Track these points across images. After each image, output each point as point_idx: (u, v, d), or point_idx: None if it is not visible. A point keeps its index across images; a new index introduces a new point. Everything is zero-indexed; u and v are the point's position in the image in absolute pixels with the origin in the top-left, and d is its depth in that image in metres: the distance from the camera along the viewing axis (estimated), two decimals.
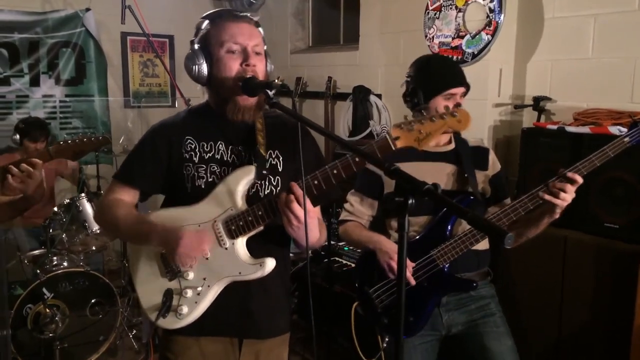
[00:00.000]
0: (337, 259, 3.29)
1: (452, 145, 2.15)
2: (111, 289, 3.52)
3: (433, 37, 3.64)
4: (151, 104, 5.44)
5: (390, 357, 2.12)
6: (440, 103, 2.04)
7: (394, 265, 1.91)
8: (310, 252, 3.25)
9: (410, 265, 1.96)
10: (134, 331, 3.80)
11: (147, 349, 3.55)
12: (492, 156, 2.19)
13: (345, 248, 3.33)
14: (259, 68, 1.61)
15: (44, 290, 3.27)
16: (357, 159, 1.47)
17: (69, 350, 3.28)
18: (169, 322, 1.64)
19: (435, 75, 2.10)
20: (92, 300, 3.44)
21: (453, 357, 2.14)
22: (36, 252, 3.71)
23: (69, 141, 1.90)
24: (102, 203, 1.75)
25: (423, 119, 1.43)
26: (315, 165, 1.62)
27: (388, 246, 1.97)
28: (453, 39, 3.51)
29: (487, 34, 3.32)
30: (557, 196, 1.85)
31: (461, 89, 2.09)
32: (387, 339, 2.08)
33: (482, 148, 2.21)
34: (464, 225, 2.03)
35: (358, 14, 4.55)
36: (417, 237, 2.03)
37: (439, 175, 2.07)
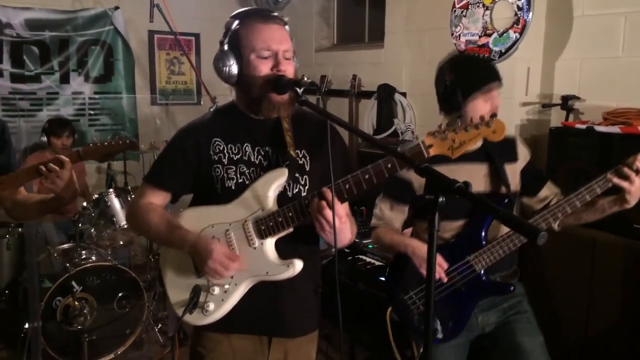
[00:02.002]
0: (361, 256, 3.29)
1: (480, 142, 2.09)
2: (138, 283, 3.58)
3: (459, 35, 3.62)
4: (177, 102, 5.51)
5: None
6: (480, 104, 1.98)
7: None
8: (333, 250, 3.26)
9: (443, 264, 1.96)
10: (160, 325, 3.86)
11: (172, 342, 3.60)
12: (520, 145, 2.14)
13: (370, 246, 3.33)
14: (289, 72, 1.62)
15: (73, 283, 3.35)
16: (389, 165, 1.48)
17: (96, 343, 3.35)
18: (196, 318, 1.67)
19: (475, 71, 2.03)
20: (119, 294, 3.51)
21: (485, 354, 2.13)
22: (65, 246, 3.79)
23: (98, 143, 1.96)
24: (134, 207, 1.78)
25: (457, 128, 1.43)
26: (343, 165, 1.64)
27: (423, 250, 1.95)
28: (480, 37, 3.49)
29: (515, 32, 3.29)
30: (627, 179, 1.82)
31: (499, 86, 2.03)
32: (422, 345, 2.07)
33: (509, 139, 2.12)
34: (502, 229, 2.03)
35: (383, 11, 4.54)
36: (453, 240, 2.02)
37: (474, 177, 2.03)
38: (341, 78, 4.86)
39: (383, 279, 3.09)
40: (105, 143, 1.94)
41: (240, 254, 1.63)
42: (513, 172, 2.08)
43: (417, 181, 2.04)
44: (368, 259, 3.29)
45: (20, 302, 3.56)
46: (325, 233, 1.51)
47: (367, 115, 4.56)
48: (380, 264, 3.23)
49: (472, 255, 1.98)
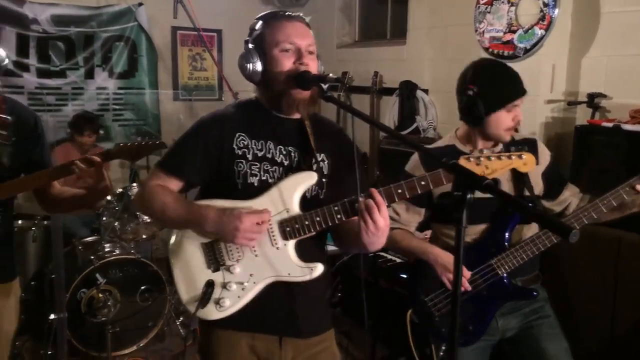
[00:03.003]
0: (382, 254, 3.29)
1: (500, 146, 2.06)
2: (160, 276, 3.62)
3: (484, 31, 3.58)
4: (199, 97, 5.55)
5: None
6: (503, 117, 1.95)
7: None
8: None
9: (466, 273, 1.95)
10: (181, 318, 3.89)
11: (194, 336, 3.64)
12: (540, 147, 2.11)
13: None
14: (312, 67, 1.62)
15: (97, 275, 3.39)
16: (422, 183, 1.50)
17: (119, 335, 3.39)
18: (209, 313, 1.64)
19: (499, 85, 1.98)
20: (142, 287, 3.55)
21: (506, 359, 2.11)
22: (89, 239, 3.85)
23: (129, 144, 1.99)
24: (145, 190, 1.71)
25: (492, 155, 1.50)
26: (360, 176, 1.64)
27: (445, 258, 1.95)
28: (505, 33, 3.45)
29: (540, 28, 3.25)
30: None
31: (522, 99, 2.00)
32: (443, 347, 2.06)
33: (529, 140, 2.09)
34: (525, 233, 2.02)
35: (406, 8, 4.52)
36: (474, 244, 2.01)
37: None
38: (363, 75, 4.85)
39: (404, 276, 3.08)
40: (136, 143, 1.97)
41: (262, 254, 1.62)
42: (535, 175, 2.05)
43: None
44: (389, 256, 3.29)
45: (45, 294, 3.61)
46: (367, 234, 1.50)
47: (389, 112, 4.55)
48: (401, 261, 3.23)
49: (495, 259, 1.97)
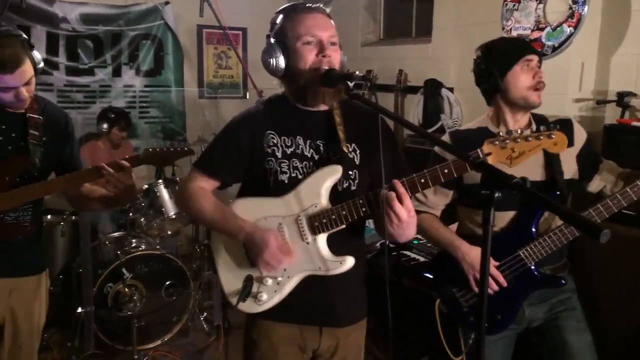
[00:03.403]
0: (406, 252, 3.28)
1: (533, 127, 2.02)
2: (184, 272, 3.67)
3: (511, 29, 3.54)
4: (224, 95, 5.59)
5: (474, 355, 2.10)
6: (519, 73, 1.93)
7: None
8: (378, 244, 3.25)
9: (496, 273, 1.93)
10: (205, 314, 3.94)
11: (217, 331, 3.68)
12: (576, 128, 2.05)
13: (414, 242, 3.30)
14: (335, 58, 1.63)
15: (124, 270, 3.45)
16: (445, 171, 1.48)
17: (144, 329, 3.45)
18: (248, 307, 1.70)
19: (506, 46, 2.00)
20: (167, 282, 3.60)
21: (531, 348, 2.10)
22: (116, 234, 3.91)
23: (157, 149, 2.03)
24: (185, 191, 1.78)
25: (518, 137, 1.41)
26: (393, 160, 1.65)
27: (472, 256, 1.94)
28: (532, 31, 3.41)
29: (569, 26, 3.20)
30: None
31: (536, 57, 1.96)
32: (472, 336, 2.05)
33: (564, 121, 2.03)
34: (554, 222, 1.98)
35: (431, 5, 4.48)
36: (501, 233, 1.98)
37: (528, 165, 1.86)
38: (387, 73, 4.83)
39: (428, 275, 3.06)
40: (164, 149, 2.01)
41: (293, 249, 1.65)
42: (569, 157, 2.00)
43: None
44: (413, 255, 3.28)
45: (73, 288, 3.68)
46: (392, 226, 1.50)
47: (413, 111, 4.53)
48: (425, 260, 3.21)
49: (523, 250, 1.94)
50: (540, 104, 1.96)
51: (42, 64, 2.01)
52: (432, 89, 4.32)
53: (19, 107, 2.00)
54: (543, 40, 3.33)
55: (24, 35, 1.96)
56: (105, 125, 4.23)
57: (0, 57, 1.84)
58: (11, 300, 2.12)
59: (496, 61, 1.97)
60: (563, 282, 1.97)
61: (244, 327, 1.85)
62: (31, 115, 2.05)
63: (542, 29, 3.34)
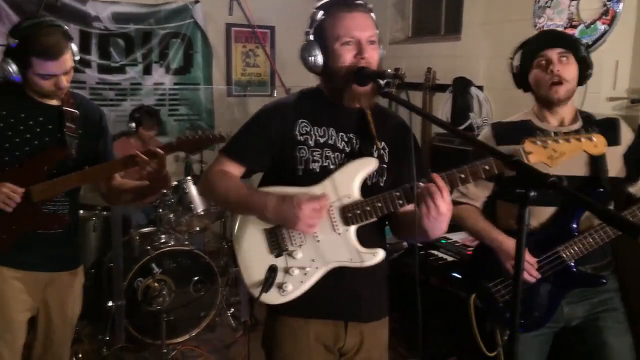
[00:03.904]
0: (433, 251, 3.26)
1: (579, 124, 1.99)
2: (212, 268, 3.71)
3: (543, 26, 3.50)
4: (251, 93, 5.62)
5: (509, 351, 2.08)
6: (535, 72, 1.94)
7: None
8: (405, 243, 3.23)
9: (533, 261, 1.92)
10: (232, 310, 3.97)
11: (244, 327, 3.71)
12: (623, 127, 2.02)
13: (442, 241, 3.28)
14: (373, 58, 1.63)
15: (153, 265, 3.50)
16: (486, 168, 1.49)
17: (173, 323, 3.49)
18: (272, 297, 1.67)
19: (529, 45, 2.00)
20: (195, 278, 3.64)
21: (569, 347, 2.07)
22: (146, 229, 3.96)
23: (190, 136, 2.05)
24: (210, 174, 1.76)
25: (559, 137, 1.44)
26: (419, 170, 1.63)
27: (510, 245, 1.92)
28: (565, 28, 3.35)
29: (603, 23, 3.14)
30: None
31: (555, 50, 1.92)
32: (507, 333, 2.04)
33: (610, 120, 2.03)
34: (594, 220, 1.95)
35: (461, 3, 4.44)
36: (541, 230, 1.96)
37: (572, 161, 1.83)
38: (415, 71, 4.79)
39: (456, 275, 3.04)
40: (197, 136, 2.03)
41: (324, 240, 1.64)
42: (615, 156, 1.96)
43: None
44: (440, 254, 3.25)
45: (103, 282, 3.75)
46: (429, 219, 1.50)
47: (442, 109, 4.50)
48: (453, 259, 3.18)
49: (563, 246, 1.92)
50: (560, 98, 1.93)
51: (78, 57, 2.07)
52: (461, 87, 4.28)
53: (56, 96, 2.05)
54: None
55: (65, 27, 2.02)
56: (133, 125, 4.32)
57: (45, 44, 1.90)
58: (46, 294, 2.17)
59: (520, 62, 2.00)
60: (603, 281, 1.93)
61: (264, 323, 1.81)
62: (68, 108, 2.10)
63: (575, 27, 3.29)
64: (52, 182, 2.04)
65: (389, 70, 1.57)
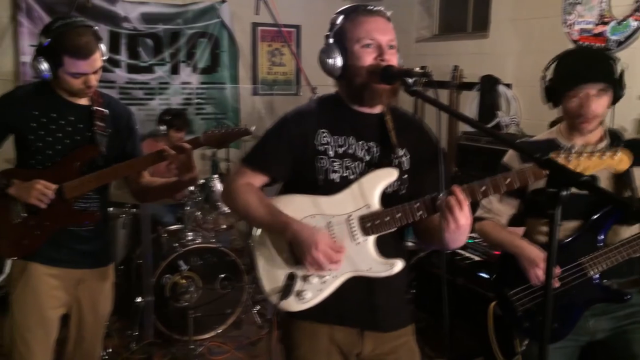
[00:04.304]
0: (460, 251, 3.23)
1: (606, 142, 1.95)
2: (238, 265, 3.74)
3: (573, 23, 3.43)
4: (277, 92, 5.65)
5: None
6: (568, 101, 1.88)
7: (540, 274, 1.87)
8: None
9: (557, 271, 1.89)
10: (258, 307, 4.00)
11: (270, 325, 3.73)
12: None
13: (469, 241, 3.25)
14: (392, 62, 1.62)
15: (181, 262, 3.55)
16: (508, 181, 1.48)
17: (200, 320, 3.52)
18: (291, 305, 1.67)
19: (569, 68, 1.91)
20: (221, 275, 3.67)
21: None
22: (174, 227, 4.02)
23: (216, 131, 2.07)
24: (232, 186, 1.76)
25: (583, 152, 1.43)
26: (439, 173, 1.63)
27: (533, 253, 1.91)
28: (596, 25, 3.29)
29: (635, 19, 3.07)
30: None
31: (596, 87, 1.84)
32: (525, 342, 2.02)
33: (638, 141, 1.99)
34: (622, 234, 1.93)
35: (489, 0, 4.40)
36: (567, 241, 1.94)
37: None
38: (442, 69, 4.76)
39: (483, 275, 3.02)
40: (223, 130, 2.05)
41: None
42: None
43: None
44: (467, 254, 3.23)
45: (132, 278, 3.82)
46: (449, 231, 1.50)
47: (469, 107, 4.46)
48: (480, 259, 3.16)
49: (587, 258, 1.89)
50: (590, 130, 1.91)
51: (106, 57, 2.11)
52: (489, 85, 4.23)
53: (85, 95, 2.09)
54: (607, 34, 3.21)
55: (95, 27, 2.07)
56: (163, 128, 4.37)
57: (76, 44, 1.94)
58: (78, 291, 2.22)
59: (557, 81, 1.92)
60: (627, 297, 1.90)
61: (281, 327, 1.81)
62: (97, 107, 2.14)
63: (606, 23, 3.23)
64: (83, 178, 2.08)
65: (417, 69, 1.56)
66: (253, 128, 2.02)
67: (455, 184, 1.51)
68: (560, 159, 1.42)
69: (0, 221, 2.12)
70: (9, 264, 2.19)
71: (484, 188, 1.51)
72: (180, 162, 2.03)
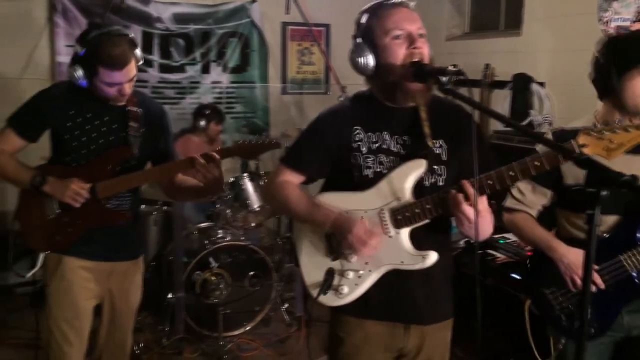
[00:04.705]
0: (491, 252, 3.19)
1: None
2: (267, 263, 3.76)
3: (609, 20, 3.36)
4: (306, 91, 5.66)
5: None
6: (636, 78, 1.78)
7: (577, 279, 1.85)
8: (462, 242, 3.19)
9: (595, 274, 1.85)
10: (286, 305, 4.02)
11: (298, 323, 3.75)
12: None
13: (501, 241, 3.22)
14: (424, 51, 1.62)
15: (211, 259, 3.59)
16: (536, 163, 1.45)
17: (230, 316, 3.56)
18: (329, 300, 1.71)
19: (632, 45, 1.83)
20: (250, 273, 3.71)
21: (631, 357, 2.00)
22: (204, 224, 4.06)
23: (247, 141, 2.11)
24: (272, 185, 1.82)
25: (617, 127, 1.35)
26: (483, 158, 1.60)
27: (570, 257, 1.87)
28: (633, 22, 3.21)
29: None
30: None
31: None
32: (562, 341, 1.99)
33: None
34: None
35: None
36: (605, 236, 1.89)
37: (631, 158, 1.74)
38: (473, 67, 4.70)
39: (515, 276, 2.97)
40: (254, 142, 2.08)
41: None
42: None
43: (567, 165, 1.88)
44: (498, 254, 3.19)
45: (163, 274, 3.87)
46: (463, 227, 1.52)
47: (500, 106, 4.40)
48: (511, 260, 3.11)
49: (625, 255, 1.85)
50: None
51: (142, 61, 2.15)
52: (521, 84, 4.17)
53: (120, 101, 2.14)
54: None
55: (131, 35, 2.10)
56: (202, 122, 4.45)
57: (111, 55, 1.98)
58: (110, 283, 2.28)
59: (616, 60, 1.83)
60: None
61: (328, 322, 1.85)
62: (131, 108, 2.18)
63: None
64: (116, 179, 2.13)
65: (451, 67, 1.54)
66: (285, 131, 2.04)
67: (464, 180, 1.51)
68: (593, 137, 1.37)
69: (35, 216, 2.18)
70: (41, 257, 2.25)
71: (511, 173, 1.50)
72: (209, 170, 2.05)
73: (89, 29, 2.07)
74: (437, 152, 1.69)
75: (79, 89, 2.10)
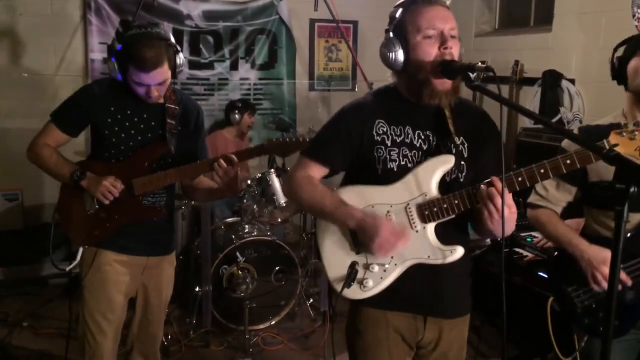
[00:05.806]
0: (518, 250, 3.17)
1: None
2: (292, 258, 3.79)
3: None
4: (333, 88, 5.68)
5: (586, 357, 2.01)
6: (636, 64, 1.82)
7: (600, 278, 1.83)
8: (488, 240, 3.17)
9: (622, 275, 1.84)
10: (311, 300, 4.05)
11: (323, 318, 3.77)
12: None
13: (528, 239, 3.18)
14: (455, 51, 1.61)
15: (237, 254, 3.64)
16: (568, 161, 1.45)
17: (255, 310, 3.61)
18: (353, 293, 1.71)
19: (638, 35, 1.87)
20: (276, 268, 3.74)
21: None
22: (231, 219, 4.12)
23: (280, 139, 2.12)
24: (294, 179, 1.79)
25: None
26: (497, 159, 1.61)
27: (592, 254, 1.85)
28: None
29: None
30: None
31: None
32: (585, 339, 1.97)
33: None
34: None
35: None
36: (629, 234, 1.87)
37: None
38: (502, 64, 4.65)
39: (542, 274, 2.95)
40: (287, 140, 2.10)
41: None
42: None
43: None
44: (525, 253, 3.16)
45: (191, 268, 3.94)
46: (492, 222, 1.51)
47: (530, 103, 4.34)
48: (538, 258, 3.08)
49: None
50: None
51: (182, 68, 2.14)
52: (551, 81, 4.11)
53: (149, 102, 2.17)
54: None
55: (172, 40, 2.10)
56: (237, 115, 4.61)
57: (141, 56, 2.00)
58: (144, 277, 2.33)
59: (623, 53, 1.87)
60: None
61: (347, 313, 1.85)
62: (169, 105, 2.22)
63: None
64: (152, 176, 2.17)
65: (480, 64, 1.54)
66: (311, 127, 2.06)
67: (494, 176, 1.51)
68: (624, 138, 1.37)
69: (75, 211, 2.24)
70: (80, 250, 2.31)
71: (542, 171, 1.50)
72: (227, 172, 2.07)
73: (130, 27, 2.10)
74: (460, 149, 1.70)
75: (120, 87, 2.14)
